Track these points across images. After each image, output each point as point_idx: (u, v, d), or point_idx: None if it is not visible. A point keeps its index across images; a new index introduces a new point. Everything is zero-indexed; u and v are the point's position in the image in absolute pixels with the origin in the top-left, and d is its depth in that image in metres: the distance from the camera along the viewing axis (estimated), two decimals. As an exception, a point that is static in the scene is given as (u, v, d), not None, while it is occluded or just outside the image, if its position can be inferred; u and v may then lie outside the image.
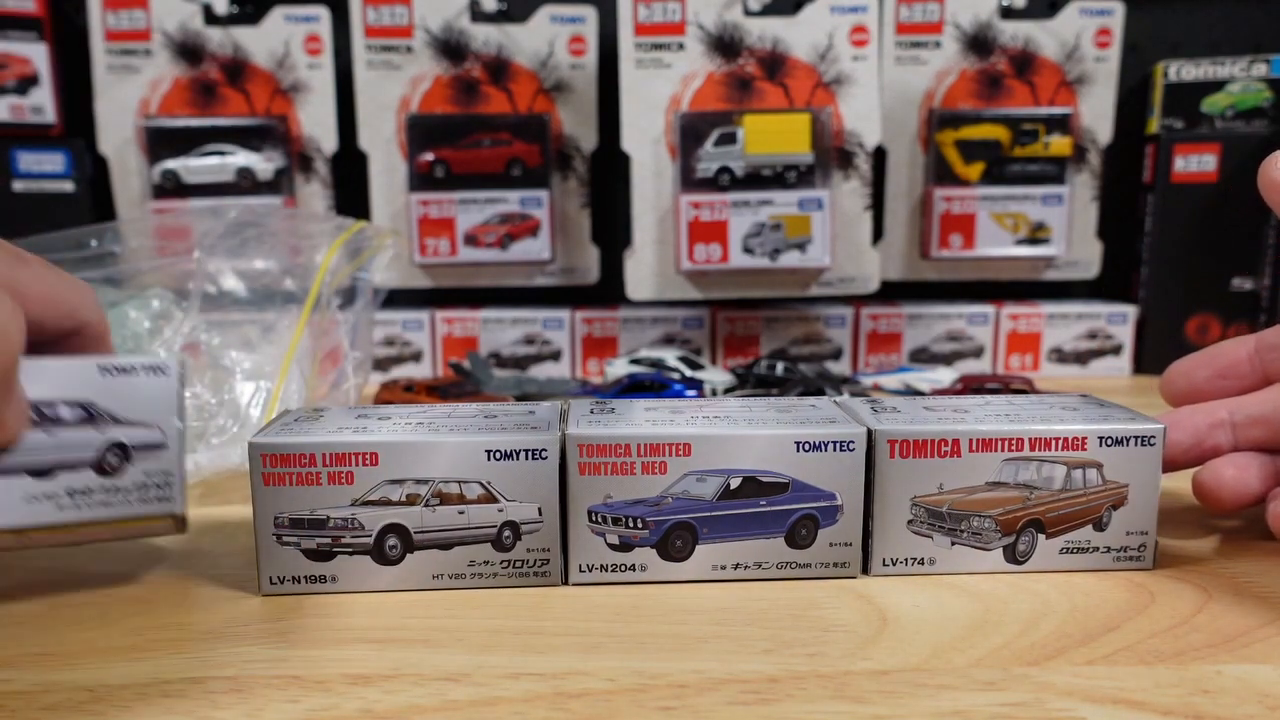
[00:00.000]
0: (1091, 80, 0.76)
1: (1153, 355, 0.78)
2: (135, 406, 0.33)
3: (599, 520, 0.34)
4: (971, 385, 0.65)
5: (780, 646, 0.30)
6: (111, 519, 0.33)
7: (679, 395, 0.61)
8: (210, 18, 0.73)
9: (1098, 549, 0.35)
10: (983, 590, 0.34)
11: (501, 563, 0.34)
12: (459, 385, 0.64)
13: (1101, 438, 0.34)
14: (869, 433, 0.34)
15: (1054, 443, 0.34)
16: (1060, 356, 0.78)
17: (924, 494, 0.35)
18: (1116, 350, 0.78)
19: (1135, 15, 0.78)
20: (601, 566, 0.34)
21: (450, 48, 0.74)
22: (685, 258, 0.71)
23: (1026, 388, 0.64)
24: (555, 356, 0.77)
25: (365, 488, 0.33)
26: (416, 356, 0.77)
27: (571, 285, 0.79)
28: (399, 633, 0.31)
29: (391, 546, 0.34)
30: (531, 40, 0.74)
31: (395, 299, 0.78)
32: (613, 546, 0.34)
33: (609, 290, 0.80)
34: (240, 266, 0.56)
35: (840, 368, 0.77)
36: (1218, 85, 0.75)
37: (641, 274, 0.73)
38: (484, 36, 0.74)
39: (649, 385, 0.63)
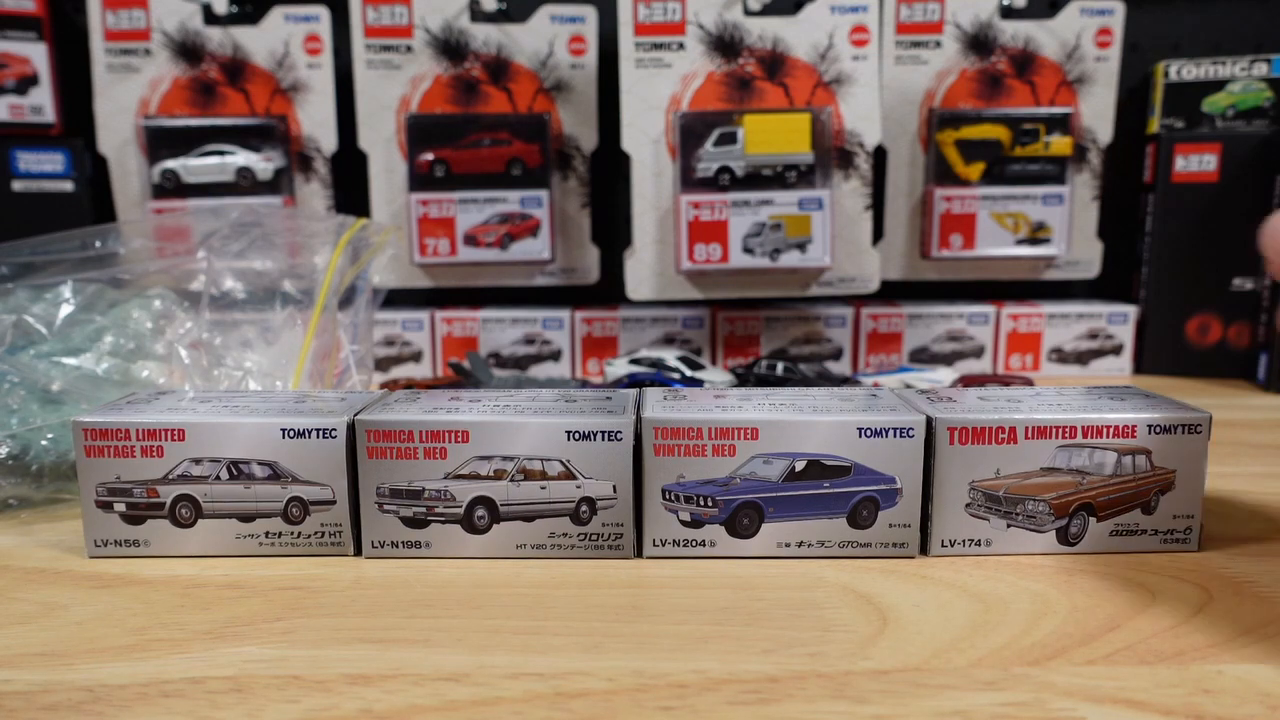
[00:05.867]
0: (1092, 80, 0.76)
1: (1153, 355, 0.78)
2: (310, 467, 0.37)
3: (672, 498, 0.36)
4: (971, 386, 0.65)
5: (780, 646, 0.30)
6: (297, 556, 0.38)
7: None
8: (210, 17, 0.73)
9: (1145, 532, 0.37)
10: (983, 590, 0.34)
11: (579, 535, 0.37)
12: (459, 385, 0.64)
13: (1150, 425, 0.36)
14: (929, 420, 0.36)
15: (1105, 430, 0.36)
16: (1060, 356, 0.78)
17: (981, 479, 0.36)
18: (1117, 350, 0.78)
19: (1136, 15, 0.78)
20: (674, 542, 0.37)
21: (450, 47, 0.74)
22: (685, 258, 0.71)
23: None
24: (555, 356, 0.77)
25: (457, 463, 0.36)
26: (416, 356, 0.77)
27: (571, 285, 0.79)
28: (400, 632, 0.31)
29: (480, 517, 0.36)
30: (531, 40, 0.74)
31: (395, 299, 0.78)
32: (684, 523, 0.36)
33: (609, 290, 0.80)
34: (242, 266, 0.56)
35: (840, 368, 0.77)
36: (1218, 85, 0.75)
37: (641, 274, 0.73)
38: (484, 36, 0.74)
39: (649, 385, 0.63)
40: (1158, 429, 0.36)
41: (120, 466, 0.37)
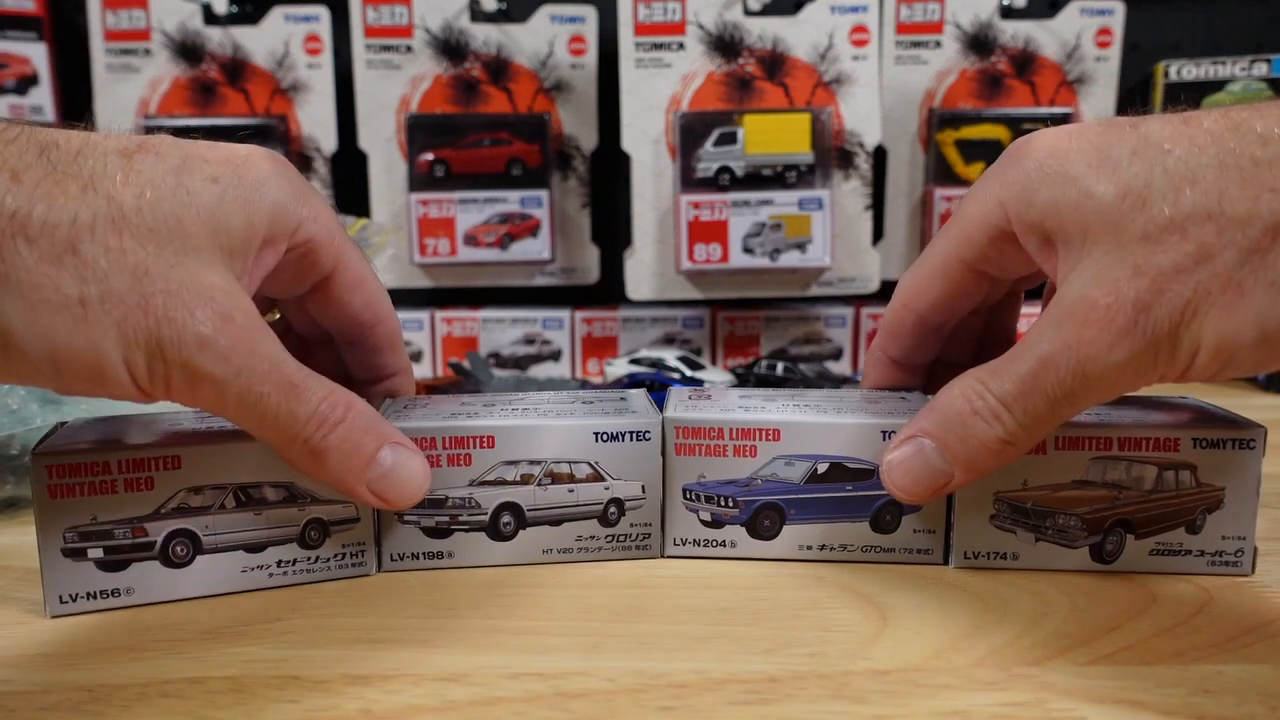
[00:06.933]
0: (1092, 80, 0.76)
1: (1153, 355, 0.77)
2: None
3: (693, 498, 0.36)
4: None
5: (780, 646, 0.30)
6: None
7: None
8: (210, 17, 0.73)
9: (1190, 552, 0.34)
10: (983, 590, 0.34)
11: (606, 537, 0.36)
12: (459, 385, 0.64)
13: (1196, 439, 0.33)
14: None
15: (1145, 443, 0.34)
16: (1060, 356, 0.78)
17: (1007, 489, 0.35)
18: (1117, 350, 0.78)
19: (1136, 15, 0.78)
20: (694, 541, 0.36)
21: (450, 47, 0.74)
22: (685, 258, 0.71)
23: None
24: (555, 356, 0.77)
25: (482, 469, 0.35)
26: (416, 356, 0.77)
27: (571, 285, 0.79)
28: (400, 632, 0.31)
29: (506, 524, 0.36)
30: (531, 40, 0.74)
31: (395, 299, 0.78)
32: (705, 523, 0.36)
33: (609, 290, 0.80)
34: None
35: (840, 368, 0.77)
36: (1218, 85, 0.75)
37: (641, 274, 0.73)
38: (484, 36, 0.74)
39: (649, 385, 0.63)
40: (1204, 443, 0.33)
41: (97, 505, 0.31)
